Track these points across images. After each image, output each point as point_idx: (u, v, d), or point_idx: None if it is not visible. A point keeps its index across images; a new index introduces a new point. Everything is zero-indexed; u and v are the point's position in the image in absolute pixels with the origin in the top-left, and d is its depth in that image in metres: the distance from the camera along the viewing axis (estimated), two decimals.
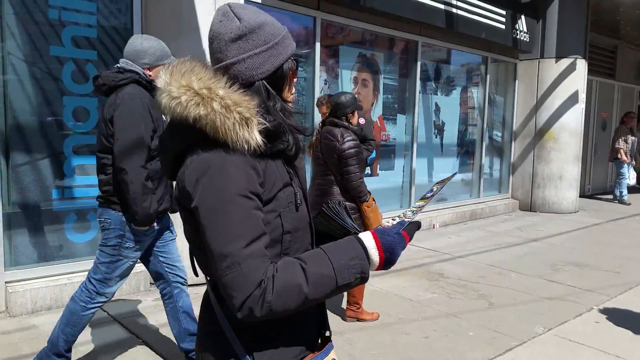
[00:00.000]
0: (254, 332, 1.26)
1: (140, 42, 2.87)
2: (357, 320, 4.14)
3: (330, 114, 3.99)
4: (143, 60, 2.85)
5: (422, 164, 8.13)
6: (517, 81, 9.73)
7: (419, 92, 7.79)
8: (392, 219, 1.34)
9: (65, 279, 4.31)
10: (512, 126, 9.84)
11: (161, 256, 3.06)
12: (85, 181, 4.57)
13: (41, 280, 4.22)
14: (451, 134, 8.73)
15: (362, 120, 4.88)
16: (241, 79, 1.25)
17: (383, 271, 5.20)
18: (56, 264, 4.40)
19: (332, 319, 4.12)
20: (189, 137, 1.21)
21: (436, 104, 8.31)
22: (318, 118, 6.26)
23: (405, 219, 1.32)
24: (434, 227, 7.80)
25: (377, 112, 7.27)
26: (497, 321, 4.22)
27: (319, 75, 6.31)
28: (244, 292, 1.12)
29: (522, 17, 8.93)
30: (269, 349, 1.27)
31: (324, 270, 1.18)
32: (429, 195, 1.42)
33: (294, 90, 1.38)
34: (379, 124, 7.30)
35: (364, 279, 1.23)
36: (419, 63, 7.67)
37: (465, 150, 9.11)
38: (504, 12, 8.43)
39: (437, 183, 1.46)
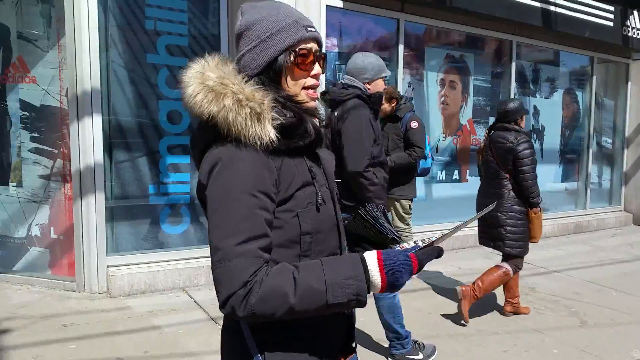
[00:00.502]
0: (269, 332, 1.23)
1: (362, 60, 3.19)
2: (514, 314, 4.32)
3: (499, 120, 4.27)
4: (364, 75, 3.16)
5: None
6: (629, 83, 8.96)
7: (514, 94, 7.46)
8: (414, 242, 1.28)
9: (159, 266, 4.69)
10: (625, 132, 9.05)
11: None
12: (178, 178, 4.95)
13: (137, 266, 4.63)
14: (552, 139, 8.22)
15: (414, 124, 4.80)
16: (246, 73, 1.27)
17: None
18: (151, 253, 4.80)
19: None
20: (209, 134, 1.22)
21: (535, 107, 7.90)
22: None
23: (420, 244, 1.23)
24: None
25: (466, 114, 7.07)
26: (588, 341, 3.89)
27: (402, 78, 6.29)
28: (229, 289, 1.11)
29: (635, 12, 8.23)
30: (282, 352, 1.24)
31: (315, 284, 1.12)
32: (446, 232, 1.25)
33: (309, 82, 1.30)
34: (468, 127, 7.09)
35: (360, 302, 1.14)
36: (513, 64, 7.36)
37: (570, 156, 8.53)
38: (611, 8, 7.82)
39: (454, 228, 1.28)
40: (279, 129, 1.19)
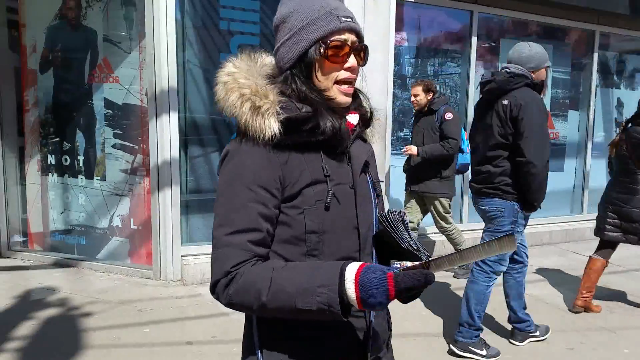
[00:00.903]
0: (272, 327, 1.22)
1: (529, 49, 3.25)
2: (585, 311, 4.25)
3: (638, 115, 4.19)
4: (530, 64, 3.23)
5: (599, 165, 7.33)
6: None
7: (596, 86, 7.06)
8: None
9: None
10: None
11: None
12: None
13: (209, 256, 4.84)
14: None
15: (448, 116, 4.65)
16: (279, 67, 1.25)
17: (535, 279, 4.89)
18: None
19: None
20: (238, 129, 1.21)
21: (618, 100, 7.43)
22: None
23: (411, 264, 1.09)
24: None
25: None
26: None
27: (475, 71, 6.13)
28: (215, 276, 1.15)
29: None
30: (280, 352, 1.21)
31: (288, 286, 1.08)
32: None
33: (342, 75, 1.21)
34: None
35: (332, 313, 1.05)
36: (595, 54, 6.95)
37: None
38: None
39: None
40: (287, 123, 1.14)
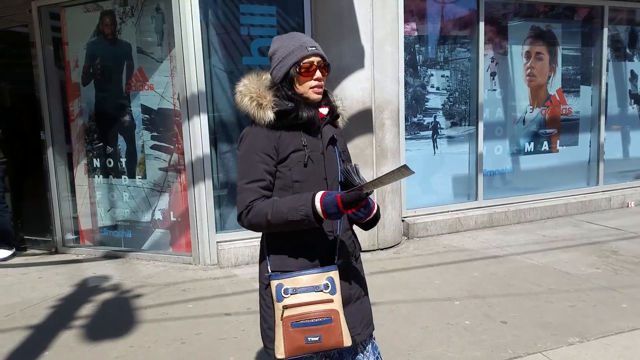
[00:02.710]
0: (275, 242, 1.89)
1: None
2: None
3: None
4: None
5: (614, 138, 7.51)
6: None
7: (608, 60, 7.22)
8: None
9: (257, 241, 5.33)
10: None
11: None
12: None
13: (241, 241, 5.32)
14: None
15: None
16: (273, 83, 1.90)
17: (546, 247, 5.19)
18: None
19: (467, 284, 4.40)
20: (249, 120, 1.90)
21: (632, 72, 7.55)
22: (483, 97, 6.41)
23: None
24: (627, 206, 7.17)
25: (555, 85, 6.99)
26: None
27: (484, 54, 6.40)
28: (240, 208, 1.82)
29: None
30: (281, 254, 1.87)
31: (282, 207, 1.74)
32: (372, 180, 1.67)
33: (312, 83, 1.86)
34: (557, 97, 7.01)
35: (311, 221, 1.70)
36: (605, 29, 7.10)
37: None
38: None
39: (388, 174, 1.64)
40: (278, 113, 1.81)
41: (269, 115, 1.80)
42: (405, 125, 6.06)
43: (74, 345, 3.53)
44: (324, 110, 1.94)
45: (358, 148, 5.36)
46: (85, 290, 4.64)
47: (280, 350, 1.78)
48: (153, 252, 5.52)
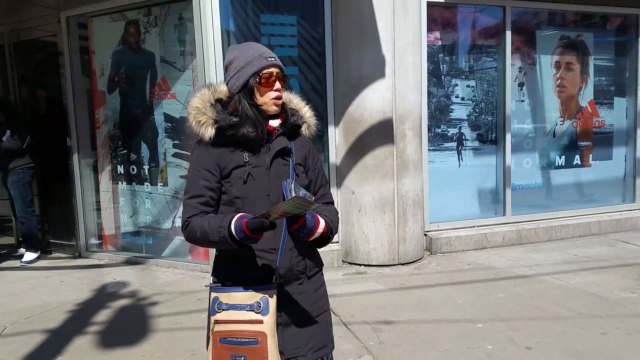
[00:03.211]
0: (221, 254, 1.91)
1: None
2: None
3: None
4: None
5: None
6: None
7: None
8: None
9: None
10: None
11: None
12: None
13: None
14: None
15: None
16: (231, 93, 1.86)
17: (577, 268, 4.96)
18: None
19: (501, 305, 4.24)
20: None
21: None
22: (510, 108, 6.24)
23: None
24: None
25: (586, 96, 6.76)
26: None
27: (511, 64, 6.25)
28: (181, 223, 1.85)
29: None
30: (225, 266, 1.88)
31: (207, 227, 1.74)
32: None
33: (272, 94, 1.82)
34: (589, 109, 6.78)
35: (227, 242, 1.68)
36: None
37: None
38: None
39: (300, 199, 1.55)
40: (218, 129, 1.79)
41: (210, 131, 1.79)
42: (429, 136, 5.94)
43: (87, 352, 3.55)
44: (273, 123, 1.87)
45: (378, 159, 5.28)
46: (103, 295, 4.68)
47: None
48: (172, 260, 5.54)
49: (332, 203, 2.05)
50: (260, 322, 1.73)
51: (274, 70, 1.82)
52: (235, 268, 1.84)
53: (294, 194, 1.62)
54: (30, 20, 6.07)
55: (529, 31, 6.44)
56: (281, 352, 1.80)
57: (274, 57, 1.84)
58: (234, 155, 1.82)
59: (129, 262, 5.69)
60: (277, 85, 1.83)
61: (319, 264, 2.00)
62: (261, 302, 1.74)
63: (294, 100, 1.99)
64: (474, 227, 6.18)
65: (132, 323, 4.04)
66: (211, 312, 1.80)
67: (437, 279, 4.97)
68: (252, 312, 1.74)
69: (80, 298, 4.61)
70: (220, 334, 1.75)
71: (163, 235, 5.67)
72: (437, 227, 6.05)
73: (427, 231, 5.94)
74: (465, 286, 4.76)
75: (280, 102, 1.86)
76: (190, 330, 3.86)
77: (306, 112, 1.98)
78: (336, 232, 1.95)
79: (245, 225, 1.65)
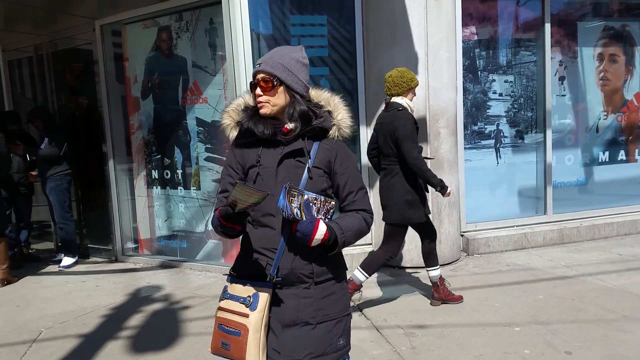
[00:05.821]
0: (240, 253, 2.00)
1: None
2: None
3: None
4: None
5: None
6: None
7: None
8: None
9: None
10: None
11: None
12: None
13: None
14: None
15: None
16: None
17: (622, 268, 4.74)
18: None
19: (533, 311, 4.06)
20: None
21: None
22: (551, 103, 5.99)
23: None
24: None
25: (632, 89, 6.44)
26: None
27: (551, 57, 6.00)
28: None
29: None
30: (237, 265, 1.99)
31: (215, 222, 1.86)
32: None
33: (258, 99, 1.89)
34: (635, 103, 6.45)
35: (219, 231, 1.84)
36: None
37: None
38: None
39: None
40: (240, 131, 1.93)
41: (233, 133, 1.95)
42: (465, 134, 5.76)
43: (118, 357, 3.56)
44: (289, 125, 1.91)
45: None
46: (137, 300, 4.72)
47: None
48: (205, 263, 5.55)
49: (366, 210, 1.97)
50: (246, 315, 1.82)
51: (259, 75, 1.87)
52: (243, 262, 1.95)
53: (286, 197, 1.73)
54: (66, 30, 6.22)
55: (569, 23, 6.18)
56: (277, 352, 1.85)
57: (260, 63, 1.90)
58: (251, 155, 1.93)
59: (163, 266, 5.74)
60: (258, 90, 1.88)
61: (335, 272, 1.95)
62: (252, 298, 1.83)
63: (333, 102, 1.98)
64: (513, 226, 5.97)
65: (164, 327, 4.05)
66: (220, 298, 1.94)
67: (473, 281, 4.81)
68: (243, 306, 1.83)
69: (114, 302, 4.67)
70: (219, 320, 1.90)
71: (197, 238, 5.69)
72: (475, 227, 5.87)
73: (464, 232, 5.77)
74: (502, 288, 4.58)
75: (262, 104, 1.89)
76: None
77: (339, 114, 1.95)
78: (351, 241, 1.88)
79: (220, 214, 1.77)
